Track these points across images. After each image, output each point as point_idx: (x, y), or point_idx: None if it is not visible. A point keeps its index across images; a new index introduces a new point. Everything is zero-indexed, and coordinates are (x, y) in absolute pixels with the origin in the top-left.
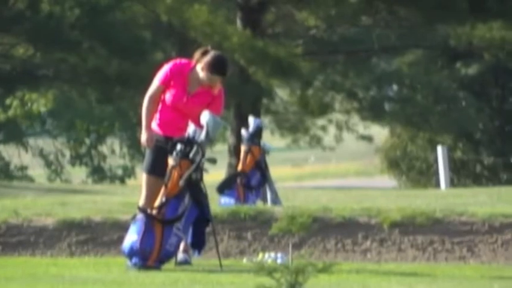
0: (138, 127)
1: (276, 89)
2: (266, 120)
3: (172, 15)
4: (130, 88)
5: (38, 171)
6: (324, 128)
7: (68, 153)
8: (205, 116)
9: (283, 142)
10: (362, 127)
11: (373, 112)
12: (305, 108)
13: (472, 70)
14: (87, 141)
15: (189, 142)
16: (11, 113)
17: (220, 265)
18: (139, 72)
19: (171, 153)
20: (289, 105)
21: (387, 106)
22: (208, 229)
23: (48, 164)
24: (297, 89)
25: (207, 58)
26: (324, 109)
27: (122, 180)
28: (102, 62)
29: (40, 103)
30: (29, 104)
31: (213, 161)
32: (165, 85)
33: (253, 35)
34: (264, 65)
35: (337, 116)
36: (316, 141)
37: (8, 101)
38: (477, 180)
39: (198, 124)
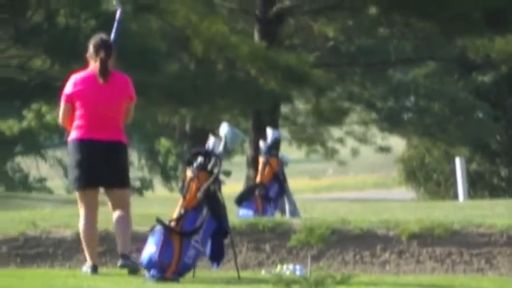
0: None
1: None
2: (284, 132)
3: (187, 27)
4: (146, 99)
5: (56, 182)
6: (341, 141)
7: None
8: (223, 128)
9: (301, 154)
10: (380, 139)
11: (391, 123)
12: (320, 117)
13: (488, 78)
14: None
15: (208, 154)
16: (25, 124)
17: (239, 277)
18: (155, 83)
19: (190, 164)
20: (306, 116)
21: (405, 117)
22: (226, 241)
23: (67, 174)
24: (311, 97)
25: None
26: (339, 116)
27: (140, 192)
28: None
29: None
30: (47, 116)
31: (227, 173)
32: None
33: (268, 46)
34: (275, 74)
35: (355, 128)
36: (332, 155)
37: (24, 113)
38: (494, 191)
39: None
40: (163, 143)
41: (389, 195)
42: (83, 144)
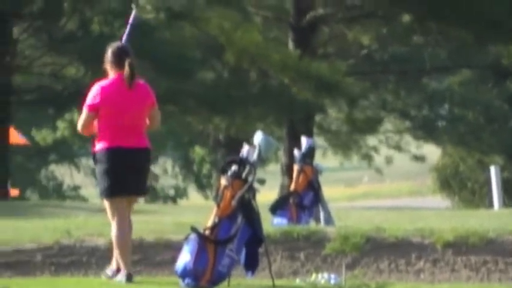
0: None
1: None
2: (319, 140)
3: (221, 35)
4: (181, 106)
5: (90, 191)
6: (375, 149)
7: None
8: (258, 136)
9: (336, 162)
10: (414, 147)
11: (426, 131)
12: (353, 126)
13: None
14: None
15: (242, 162)
16: (59, 133)
17: (273, 285)
18: (189, 91)
19: (224, 173)
20: (340, 124)
21: (439, 125)
22: (261, 249)
23: None
24: (343, 106)
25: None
26: (373, 125)
27: (175, 200)
28: (151, 81)
29: None
30: None
31: (262, 181)
32: None
33: (302, 54)
34: (307, 83)
35: (389, 135)
36: (368, 160)
37: (57, 122)
38: None
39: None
40: (198, 151)
41: (424, 203)
42: (112, 152)
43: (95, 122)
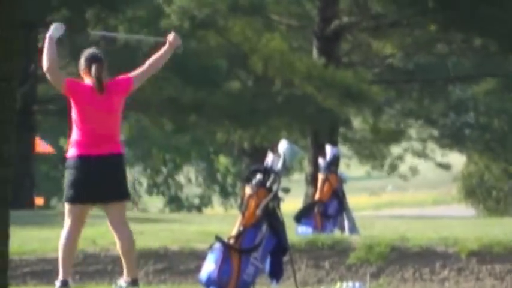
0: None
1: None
2: (343, 149)
3: (245, 44)
4: (206, 117)
5: None
6: (400, 158)
7: (145, 182)
8: (282, 145)
9: (361, 171)
10: (439, 155)
11: (453, 139)
12: (377, 135)
13: None
14: (164, 170)
15: (267, 171)
16: None
17: None
18: (214, 100)
19: (249, 182)
20: (364, 133)
21: (466, 132)
22: (285, 258)
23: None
24: (369, 116)
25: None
26: (396, 136)
27: (199, 209)
28: (177, 91)
29: None
30: None
31: (286, 190)
32: None
33: (326, 63)
34: (333, 92)
35: (414, 144)
36: (393, 169)
37: None
38: None
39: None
40: (222, 160)
41: (448, 212)
42: (82, 161)
43: (73, 128)
